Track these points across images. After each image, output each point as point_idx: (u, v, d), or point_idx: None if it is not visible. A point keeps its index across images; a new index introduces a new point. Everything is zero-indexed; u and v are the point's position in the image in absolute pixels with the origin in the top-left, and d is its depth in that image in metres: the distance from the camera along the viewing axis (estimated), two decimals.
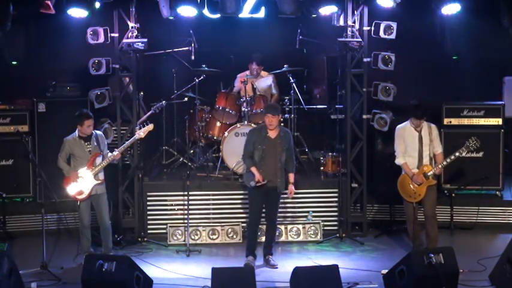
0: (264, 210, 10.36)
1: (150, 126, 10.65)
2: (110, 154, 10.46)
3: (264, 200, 10.21)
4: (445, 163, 10.26)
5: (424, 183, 10.25)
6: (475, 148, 10.24)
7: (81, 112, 10.40)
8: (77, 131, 10.36)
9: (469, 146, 10.15)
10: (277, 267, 10.12)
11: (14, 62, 12.40)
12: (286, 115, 12.42)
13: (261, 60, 12.59)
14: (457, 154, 10.17)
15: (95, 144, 10.37)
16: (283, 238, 11.47)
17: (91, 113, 10.48)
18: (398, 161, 10.42)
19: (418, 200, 10.33)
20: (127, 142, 10.74)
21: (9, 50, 12.39)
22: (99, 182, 10.34)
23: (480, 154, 11.25)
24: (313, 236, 11.51)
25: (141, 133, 10.58)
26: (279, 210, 11.46)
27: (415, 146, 10.28)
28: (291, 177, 10.29)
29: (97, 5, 10.96)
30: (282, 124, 12.32)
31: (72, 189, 10.30)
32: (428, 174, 10.24)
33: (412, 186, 10.32)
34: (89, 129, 10.29)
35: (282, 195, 10.47)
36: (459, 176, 11.54)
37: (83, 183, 10.29)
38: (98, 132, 10.60)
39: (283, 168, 10.14)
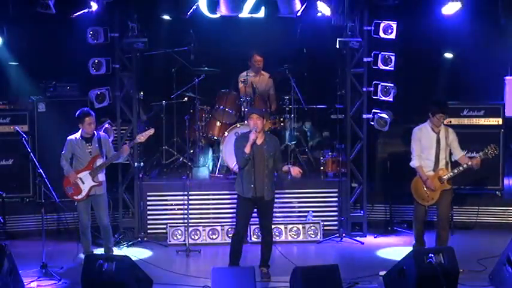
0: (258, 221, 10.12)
1: (151, 131, 10.63)
2: (114, 153, 10.46)
3: (253, 210, 9.87)
4: (461, 168, 10.04)
5: (438, 187, 10.10)
6: (493, 155, 10.08)
7: (81, 110, 10.41)
8: (79, 131, 10.36)
9: (487, 152, 9.98)
10: (270, 280, 9.84)
11: (13, 63, 12.37)
12: (285, 115, 12.42)
13: (261, 51, 12.61)
14: (476, 159, 10.02)
15: (96, 145, 10.35)
16: (283, 238, 11.46)
17: (92, 110, 10.49)
18: (414, 163, 10.17)
19: (430, 203, 10.12)
20: (128, 143, 10.73)
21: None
22: (97, 183, 10.33)
23: (480, 154, 11.22)
24: (313, 236, 11.50)
25: (141, 137, 10.55)
26: (279, 210, 11.48)
27: (432, 149, 10.06)
28: (285, 166, 9.93)
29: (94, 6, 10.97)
30: (281, 124, 12.37)
31: (69, 189, 10.31)
32: (444, 178, 10.07)
33: (425, 189, 10.11)
34: (90, 127, 10.27)
35: (284, 195, 10.32)
36: (459, 176, 11.52)
37: (81, 184, 10.29)
38: (102, 134, 10.58)
39: (271, 175, 9.78)
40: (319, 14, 11.62)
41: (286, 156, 12.23)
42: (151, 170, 12.46)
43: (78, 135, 10.37)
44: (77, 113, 10.37)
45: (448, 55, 12.77)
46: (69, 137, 10.39)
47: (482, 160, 10.02)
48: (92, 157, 10.33)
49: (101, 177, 10.40)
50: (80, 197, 10.31)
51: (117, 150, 10.62)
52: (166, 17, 11.85)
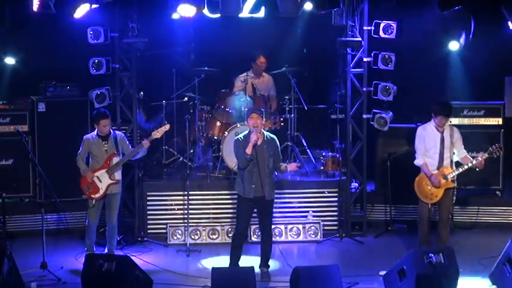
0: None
1: (166, 127, 10.61)
2: (131, 149, 10.46)
3: (253, 210, 9.89)
4: (466, 167, 10.05)
5: (442, 185, 10.10)
6: (497, 155, 10.09)
7: (97, 112, 10.50)
8: (96, 130, 10.38)
9: (492, 152, 10.00)
10: (270, 280, 9.87)
11: (13, 63, 12.36)
12: (285, 114, 12.42)
13: (267, 53, 12.61)
14: (479, 159, 10.00)
15: (112, 144, 10.37)
16: (283, 238, 11.46)
17: (109, 112, 10.49)
18: (418, 161, 10.20)
19: (434, 201, 10.14)
20: (147, 139, 10.66)
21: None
22: (114, 181, 10.35)
23: (480, 154, 11.21)
24: (313, 236, 11.50)
25: (157, 133, 10.54)
26: (279, 210, 11.48)
27: (436, 148, 10.09)
28: (283, 165, 9.87)
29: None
30: (282, 124, 12.37)
31: (87, 188, 10.30)
32: (448, 176, 10.08)
33: (429, 187, 10.12)
34: (105, 128, 10.30)
35: (284, 195, 10.32)
36: (459, 176, 11.51)
37: (98, 182, 10.29)
38: (118, 132, 10.61)
39: (271, 175, 9.82)
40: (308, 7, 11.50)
41: (286, 156, 12.24)
42: (151, 170, 12.45)
43: (94, 133, 10.41)
44: (93, 114, 10.44)
45: (448, 55, 12.75)
46: (86, 136, 10.43)
47: (486, 160, 10.03)
48: (107, 155, 10.34)
49: (118, 175, 10.42)
50: (97, 195, 10.32)
51: (134, 147, 10.63)
52: (175, 16, 11.76)
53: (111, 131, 10.43)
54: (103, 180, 10.32)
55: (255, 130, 9.60)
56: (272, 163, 9.78)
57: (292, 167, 9.99)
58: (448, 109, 10.16)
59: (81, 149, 10.39)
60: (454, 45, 12.22)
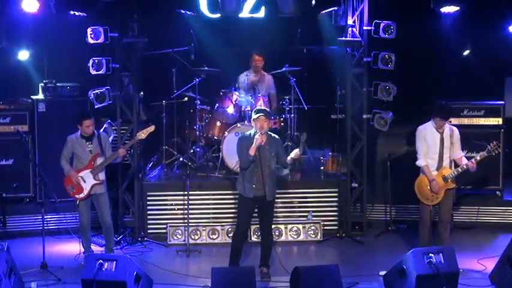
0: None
1: (151, 128, 10.63)
2: (111, 152, 10.47)
3: (254, 210, 9.88)
4: (465, 167, 10.03)
5: (442, 186, 10.11)
6: (496, 153, 10.10)
7: (80, 112, 10.45)
8: (79, 130, 10.38)
9: (491, 150, 10.01)
10: (270, 280, 9.86)
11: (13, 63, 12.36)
12: (285, 114, 12.41)
13: (261, 51, 12.61)
14: (478, 158, 9.98)
15: (97, 144, 10.37)
16: (283, 238, 11.47)
17: (91, 113, 10.49)
18: (420, 162, 10.17)
19: (435, 203, 10.12)
20: (129, 142, 10.76)
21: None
22: (98, 182, 10.35)
23: (480, 153, 11.22)
24: (313, 236, 11.50)
25: (142, 134, 10.56)
26: (279, 210, 11.48)
27: (435, 148, 10.08)
28: (288, 157, 9.74)
29: None
30: (282, 124, 12.36)
31: (71, 188, 10.31)
32: (448, 177, 10.08)
33: (429, 188, 10.12)
34: (88, 129, 10.29)
35: (285, 195, 10.28)
36: (459, 176, 11.53)
37: (82, 182, 10.30)
38: (102, 133, 10.61)
39: (272, 175, 9.81)
40: None
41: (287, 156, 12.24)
42: (151, 170, 12.45)
43: (78, 134, 10.39)
44: (77, 114, 10.40)
45: (449, 55, 12.76)
46: (69, 136, 10.41)
47: (478, 163, 10.02)
48: (92, 155, 10.34)
49: (102, 175, 10.42)
50: (81, 195, 10.32)
51: (115, 150, 10.64)
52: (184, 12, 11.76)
53: (95, 131, 10.43)
54: (87, 181, 10.33)
55: (261, 132, 9.60)
56: (274, 163, 9.78)
57: (297, 155, 9.75)
58: (445, 111, 10.12)
59: (64, 150, 10.37)
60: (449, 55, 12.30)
